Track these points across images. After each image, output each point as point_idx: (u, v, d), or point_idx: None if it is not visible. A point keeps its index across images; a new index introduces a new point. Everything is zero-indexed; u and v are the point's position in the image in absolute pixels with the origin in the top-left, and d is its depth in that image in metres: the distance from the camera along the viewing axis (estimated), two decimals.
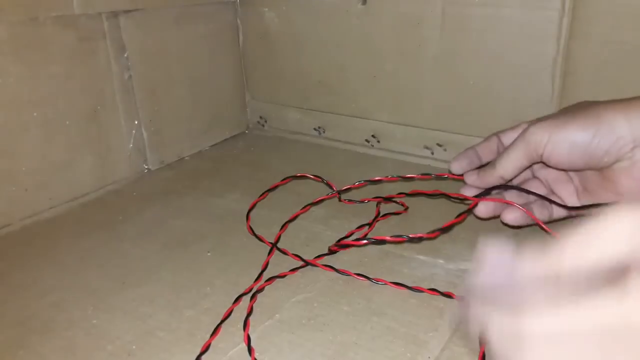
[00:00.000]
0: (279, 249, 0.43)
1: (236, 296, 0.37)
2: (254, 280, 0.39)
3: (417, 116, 0.60)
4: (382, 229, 0.46)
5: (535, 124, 0.39)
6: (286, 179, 0.52)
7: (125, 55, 0.56)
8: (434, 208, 0.49)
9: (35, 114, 0.49)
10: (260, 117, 0.73)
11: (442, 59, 0.56)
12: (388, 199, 0.50)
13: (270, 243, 0.44)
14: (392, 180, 0.49)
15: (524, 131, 0.39)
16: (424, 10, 0.55)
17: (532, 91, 0.52)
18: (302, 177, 0.53)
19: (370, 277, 0.39)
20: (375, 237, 0.39)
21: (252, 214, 0.49)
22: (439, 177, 0.46)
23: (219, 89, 0.69)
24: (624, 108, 0.35)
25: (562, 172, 0.42)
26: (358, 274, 0.39)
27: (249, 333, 0.34)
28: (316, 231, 0.46)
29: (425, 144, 0.60)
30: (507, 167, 0.40)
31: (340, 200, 0.51)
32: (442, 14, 0.54)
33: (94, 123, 0.54)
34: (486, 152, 0.44)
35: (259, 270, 0.40)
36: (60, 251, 0.45)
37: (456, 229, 0.46)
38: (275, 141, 0.70)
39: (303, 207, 0.48)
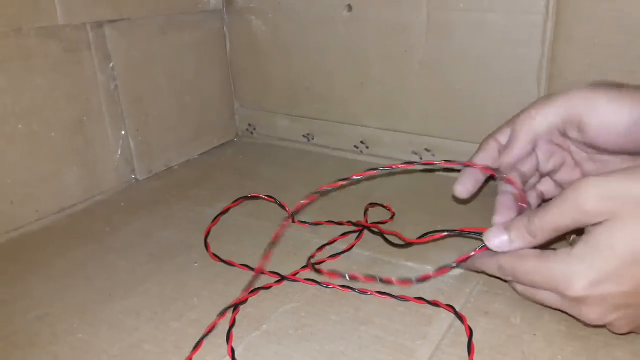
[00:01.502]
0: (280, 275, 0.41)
1: (222, 308, 0.37)
2: (241, 291, 0.39)
3: (405, 122, 0.60)
4: (370, 237, 0.46)
5: (542, 104, 0.36)
6: (238, 200, 0.51)
7: (111, 65, 0.56)
8: (424, 212, 0.49)
9: (20, 125, 0.49)
10: (249, 125, 0.73)
11: (428, 64, 0.56)
12: (374, 204, 0.50)
13: (244, 266, 0.42)
14: (337, 185, 0.41)
15: (528, 116, 0.36)
16: (409, 16, 0.55)
17: (518, 95, 0.52)
18: (255, 197, 0.51)
19: (355, 288, 0.39)
20: (384, 278, 0.37)
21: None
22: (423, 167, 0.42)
23: (207, 97, 0.68)
24: None
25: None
26: (342, 286, 0.39)
27: (236, 345, 0.34)
28: (304, 239, 0.46)
29: (413, 150, 0.60)
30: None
31: (294, 222, 0.49)
32: (427, 20, 0.54)
33: (80, 134, 0.54)
34: (487, 162, 0.40)
35: (246, 281, 0.40)
36: (46, 264, 0.44)
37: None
38: (265, 148, 0.70)
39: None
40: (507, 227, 0.34)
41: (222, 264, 0.43)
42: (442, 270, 0.37)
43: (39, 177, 0.51)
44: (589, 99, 0.34)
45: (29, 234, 0.50)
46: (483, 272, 0.37)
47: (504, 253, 0.34)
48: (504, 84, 0.53)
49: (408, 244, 0.43)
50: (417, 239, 0.42)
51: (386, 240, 0.44)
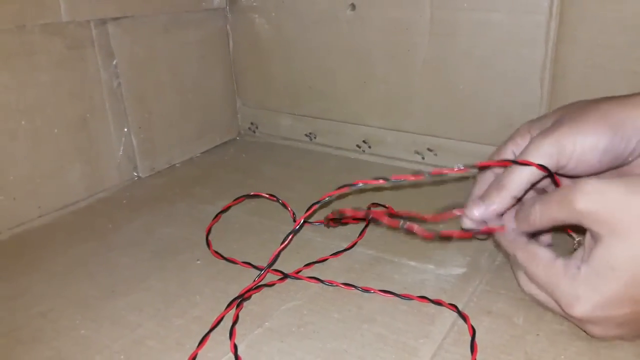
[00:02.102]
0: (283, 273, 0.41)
1: (225, 304, 0.37)
2: (242, 287, 0.39)
3: (408, 121, 0.60)
4: (372, 236, 0.46)
5: (549, 133, 0.34)
6: (240, 198, 0.50)
7: (114, 63, 0.56)
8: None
9: (23, 122, 0.49)
10: (252, 123, 0.73)
11: (431, 63, 0.56)
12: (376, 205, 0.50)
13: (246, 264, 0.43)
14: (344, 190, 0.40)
15: (539, 140, 0.34)
16: (412, 15, 0.55)
17: (522, 95, 0.52)
18: (257, 195, 0.51)
19: (358, 285, 0.38)
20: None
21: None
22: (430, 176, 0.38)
23: (210, 96, 0.68)
24: (630, 104, 0.33)
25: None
26: (345, 284, 0.39)
27: (238, 342, 0.34)
28: (306, 238, 0.46)
29: (416, 149, 0.60)
30: (520, 188, 0.35)
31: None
32: (430, 18, 0.54)
33: (83, 131, 0.54)
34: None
35: (249, 278, 0.40)
36: (49, 260, 0.44)
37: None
38: (267, 147, 0.70)
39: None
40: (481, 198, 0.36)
41: (224, 261, 0.43)
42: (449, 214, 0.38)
43: (41, 174, 0.51)
44: (574, 136, 0.34)
45: (32, 230, 0.50)
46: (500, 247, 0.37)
47: (521, 244, 0.34)
48: (507, 84, 0.53)
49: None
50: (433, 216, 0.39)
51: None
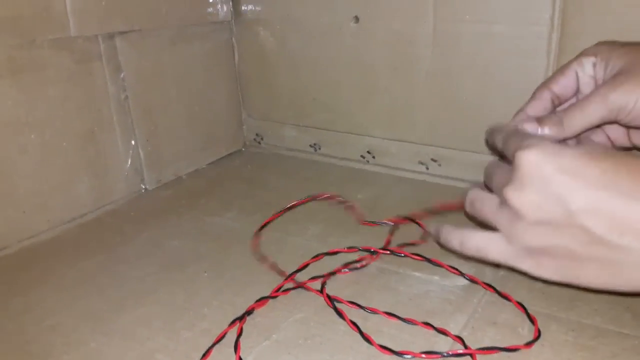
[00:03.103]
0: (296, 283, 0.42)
1: (233, 318, 0.37)
2: (250, 300, 0.39)
3: (411, 132, 0.60)
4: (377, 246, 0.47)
5: (620, 85, 0.33)
6: (306, 199, 0.53)
7: (122, 76, 0.57)
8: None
9: (32, 136, 0.50)
10: (257, 135, 0.74)
11: (434, 75, 0.57)
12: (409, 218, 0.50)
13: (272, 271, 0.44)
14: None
15: (607, 91, 0.33)
16: (415, 27, 0.56)
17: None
18: (329, 197, 0.53)
19: (364, 307, 0.39)
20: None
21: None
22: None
23: (215, 108, 0.69)
24: None
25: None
26: (351, 302, 0.39)
27: (246, 355, 0.34)
28: (312, 248, 0.47)
29: (419, 160, 0.61)
30: (576, 131, 0.35)
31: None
32: (433, 31, 0.55)
33: (91, 144, 0.55)
34: (539, 111, 0.38)
35: (256, 290, 0.40)
36: (58, 273, 0.45)
37: None
38: (272, 158, 0.71)
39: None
40: (539, 120, 0.36)
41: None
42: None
43: (50, 187, 0.52)
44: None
45: (40, 243, 0.50)
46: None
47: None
48: (510, 95, 0.53)
49: None
50: None
51: None
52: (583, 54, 0.37)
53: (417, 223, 0.50)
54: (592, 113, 0.34)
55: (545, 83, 0.39)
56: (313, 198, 0.53)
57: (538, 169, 0.28)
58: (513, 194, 0.30)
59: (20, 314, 0.40)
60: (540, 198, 0.29)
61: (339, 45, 0.62)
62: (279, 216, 0.50)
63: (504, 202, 0.31)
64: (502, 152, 0.33)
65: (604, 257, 0.28)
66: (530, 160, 0.29)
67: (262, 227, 0.49)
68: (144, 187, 0.61)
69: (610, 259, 0.28)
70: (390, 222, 0.50)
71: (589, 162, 0.28)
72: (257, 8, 0.67)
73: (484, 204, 0.33)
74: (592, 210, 0.27)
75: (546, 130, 0.35)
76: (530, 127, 0.36)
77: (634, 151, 0.35)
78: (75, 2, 0.51)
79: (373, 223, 0.50)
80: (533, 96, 0.39)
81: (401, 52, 0.58)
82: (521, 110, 0.39)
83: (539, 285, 0.40)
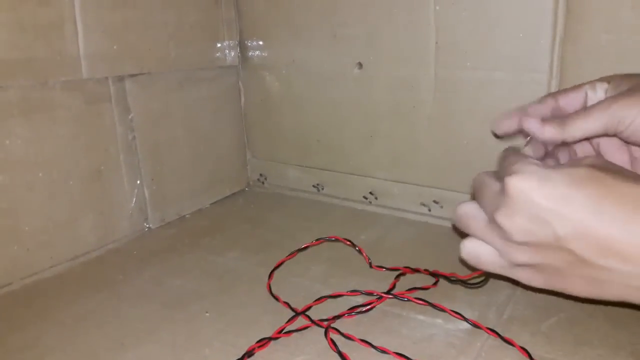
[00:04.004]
0: (311, 319, 0.42)
1: (234, 358, 0.37)
2: (252, 341, 0.39)
3: (414, 174, 0.61)
4: (380, 289, 0.46)
5: (623, 98, 0.35)
6: (319, 240, 0.53)
7: (130, 117, 0.58)
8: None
9: (40, 174, 0.51)
10: (260, 175, 0.75)
11: (436, 119, 0.58)
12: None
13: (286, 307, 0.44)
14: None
15: (610, 102, 0.35)
16: (417, 73, 0.57)
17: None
18: (335, 239, 0.53)
19: (374, 344, 0.38)
20: None
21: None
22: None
23: (220, 148, 0.70)
24: None
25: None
26: (362, 340, 0.39)
27: None
28: (314, 290, 0.47)
29: (421, 201, 0.61)
30: (576, 135, 0.36)
31: (371, 266, 0.51)
32: (435, 77, 0.57)
33: (97, 182, 0.55)
34: (541, 114, 0.39)
35: (258, 331, 0.40)
36: (60, 311, 0.45)
37: (454, 288, 0.46)
38: (275, 198, 0.71)
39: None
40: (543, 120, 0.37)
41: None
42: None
43: (55, 225, 0.52)
44: None
45: (43, 280, 0.50)
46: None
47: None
48: (510, 139, 0.54)
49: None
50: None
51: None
52: (598, 79, 0.39)
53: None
54: (594, 121, 0.35)
55: (555, 93, 0.40)
56: (324, 240, 0.53)
57: (526, 195, 0.30)
58: (503, 219, 0.31)
59: (20, 350, 0.40)
60: (529, 223, 0.30)
61: (342, 90, 0.63)
62: (291, 258, 0.51)
63: (493, 221, 0.32)
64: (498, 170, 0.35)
65: (589, 276, 0.30)
66: (519, 186, 0.30)
67: (275, 268, 0.49)
68: (147, 225, 0.61)
69: (595, 277, 0.30)
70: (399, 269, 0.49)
71: (574, 188, 0.29)
72: (263, 54, 0.69)
73: (474, 221, 0.34)
74: (577, 235, 0.29)
75: (547, 130, 0.36)
76: (532, 124, 0.37)
77: (619, 168, 0.35)
78: (88, 46, 0.53)
79: (381, 267, 0.50)
80: (538, 100, 0.40)
81: (403, 97, 0.59)
82: (522, 108, 0.40)
83: (543, 329, 0.40)
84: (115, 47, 0.55)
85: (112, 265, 0.53)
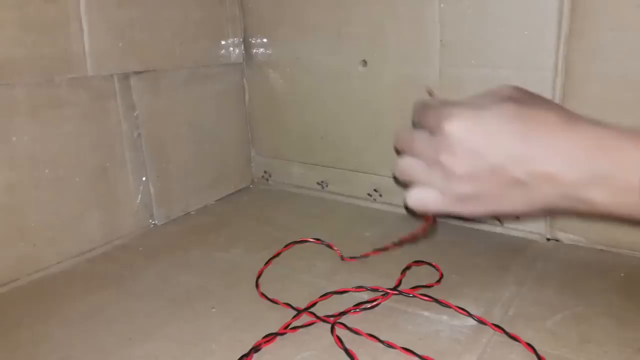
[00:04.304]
0: (317, 316, 0.42)
1: (241, 354, 0.37)
2: (258, 336, 0.39)
3: None
4: (386, 284, 0.47)
5: None
6: (289, 245, 0.54)
7: (135, 114, 0.58)
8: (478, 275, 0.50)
9: (47, 171, 0.51)
10: (265, 172, 0.75)
11: None
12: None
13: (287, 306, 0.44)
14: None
15: None
16: (422, 71, 0.57)
17: None
18: (304, 241, 0.55)
19: (382, 338, 0.38)
20: None
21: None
22: None
23: (225, 145, 0.71)
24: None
25: None
26: (369, 335, 0.39)
27: None
28: (319, 286, 0.47)
29: None
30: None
31: (343, 259, 0.52)
32: (439, 74, 0.57)
33: (103, 179, 0.56)
34: None
35: (263, 326, 0.40)
36: (67, 307, 0.45)
37: (460, 284, 0.46)
38: (280, 195, 0.72)
39: None
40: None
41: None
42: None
43: (61, 221, 0.52)
44: None
45: (50, 276, 0.51)
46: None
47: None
48: None
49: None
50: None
51: None
52: None
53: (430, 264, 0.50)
54: None
55: None
56: (294, 244, 0.55)
57: (463, 134, 0.36)
58: (446, 157, 0.37)
59: (28, 346, 0.40)
60: (468, 157, 0.36)
61: (346, 87, 0.63)
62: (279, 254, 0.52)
63: (433, 165, 0.38)
64: (419, 122, 0.41)
65: (519, 193, 0.36)
66: (455, 128, 0.36)
67: (259, 276, 0.49)
68: (153, 222, 0.62)
69: (526, 194, 0.35)
70: (367, 255, 0.52)
71: (503, 123, 0.35)
72: (267, 51, 0.69)
73: (415, 170, 0.40)
74: (509, 161, 0.35)
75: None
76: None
77: (534, 99, 0.39)
78: (93, 44, 0.53)
79: (353, 258, 0.52)
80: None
81: (408, 94, 0.59)
82: None
83: (549, 325, 0.40)
84: (120, 44, 0.55)
85: (118, 261, 0.53)
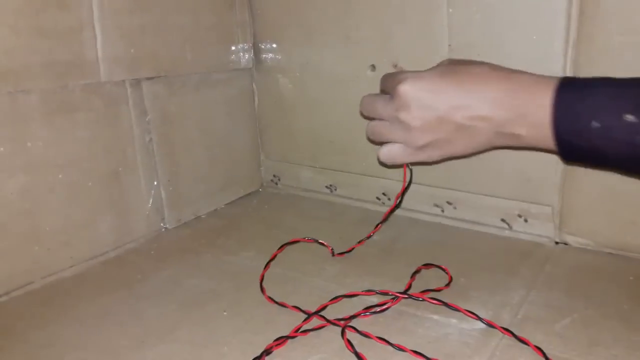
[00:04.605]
0: (327, 319, 0.42)
1: (252, 357, 0.38)
2: (268, 339, 0.40)
3: (427, 175, 0.62)
4: (395, 289, 0.47)
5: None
6: (282, 247, 0.55)
7: (147, 119, 0.59)
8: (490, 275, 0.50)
9: (60, 175, 0.52)
10: (274, 176, 0.75)
11: None
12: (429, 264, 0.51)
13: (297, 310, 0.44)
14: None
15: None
16: None
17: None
18: (295, 242, 0.56)
19: (391, 341, 0.39)
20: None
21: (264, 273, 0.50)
22: None
23: (235, 150, 0.71)
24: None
25: None
26: (379, 338, 0.39)
27: None
28: (330, 289, 0.47)
29: (435, 202, 0.62)
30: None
31: (333, 255, 0.54)
32: None
33: (115, 183, 0.56)
34: None
35: (274, 329, 0.41)
36: (80, 310, 0.46)
37: (469, 288, 0.46)
38: (289, 199, 0.72)
39: None
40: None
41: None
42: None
43: (75, 225, 0.53)
44: None
45: (63, 279, 0.51)
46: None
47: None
48: None
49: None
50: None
51: None
52: None
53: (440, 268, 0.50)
54: None
55: None
56: (287, 244, 0.55)
57: (412, 93, 0.43)
58: (403, 114, 0.44)
59: (42, 348, 0.41)
60: (419, 111, 0.43)
61: (355, 92, 0.63)
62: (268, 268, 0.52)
63: (394, 122, 0.45)
64: (384, 89, 0.48)
65: (465, 135, 0.43)
66: (406, 89, 0.43)
67: (261, 280, 0.49)
68: (164, 226, 0.62)
69: (469, 135, 0.43)
70: (352, 249, 0.54)
71: (441, 78, 0.43)
72: (277, 56, 0.70)
73: (381, 129, 0.47)
74: (451, 110, 0.42)
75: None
76: None
77: (467, 60, 0.45)
78: (106, 50, 0.54)
79: (342, 254, 0.54)
80: None
81: None
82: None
83: (557, 329, 0.40)
84: (132, 50, 0.56)
85: (130, 264, 0.54)
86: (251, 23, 0.70)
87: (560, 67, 0.51)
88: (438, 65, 0.46)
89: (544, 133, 0.39)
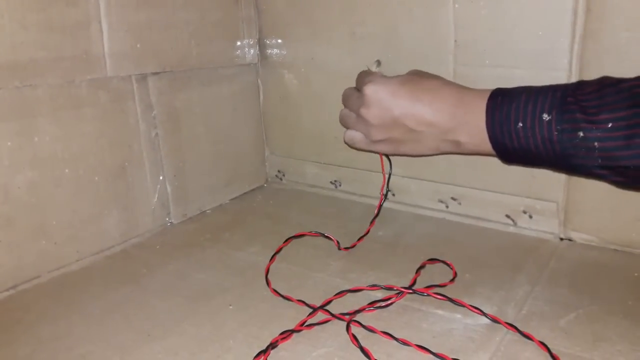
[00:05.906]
0: (332, 313, 0.43)
1: (258, 351, 0.38)
2: (274, 333, 0.40)
3: (431, 171, 0.62)
4: (399, 284, 0.47)
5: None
6: (288, 240, 0.55)
7: (153, 114, 0.59)
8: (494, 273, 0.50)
9: (67, 170, 0.52)
10: (279, 171, 0.76)
11: None
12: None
13: (302, 304, 0.45)
14: None
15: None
16: (436, 70, 0.57)
17: None
18: (301, 235, 0.57)
19: (396, 336, 0.39)
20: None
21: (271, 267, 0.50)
22: None
23: (240, 145, 0.71)
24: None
25: None
26: (384, 332, 0.40)
27: None
28: (334, 284, 0.47)
29: (439, 198, 0.62)
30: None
31: (340, 248, 0.55)
32: (453, 74, 0.57)
33: (121, 178, 0.57)
34: None
35: (280, 323, 0.41)
36: (87, 303, 0.46)
37: (473, 284, 0.47)
38: (293, 194, 0.72)
39: None
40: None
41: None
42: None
43: (81, 219, 0.54)
44: None
45: (70, 273, 0.52)
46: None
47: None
48: None
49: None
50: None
51: None
52: None
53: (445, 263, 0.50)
54: None
55: None
56: (292, 238, 0.55)
57: (375, 94, 0.50)
58: (364, 111, 0.51)
59: (50, 341, 0.41)
60: (378, 111, 0.50)
61: None
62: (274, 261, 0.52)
63: (358, 116, 0.52)
64: (356, 85, 0.56)
65: (415, 139, 0.50)
66: (370, 90, 0.50)
67: (267, 274, 0.50)
68: (169, 221, 0.63)
69: (418, 139, 0.50)
70: (354, 245, 0.55)
71: (401, 86, 0.50)
72: (282, 52, 0.70)
73: (349, 118, 0.55)
74: (405, 114, 0.49)
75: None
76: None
77: (428, 74, 0.53)
78: (113, 45, 0.54)
79: (348, 248, 0.55)
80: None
81: None
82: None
83: (562, 324, 0.40)
84: (138, 45, 0.56)
85: (136, 259, 0.55)
86: (257, 18, 0.70)
87: (567, 62, 0.50)
88: (405, 74, 0.53)
89: (482, 137, 0.46)
